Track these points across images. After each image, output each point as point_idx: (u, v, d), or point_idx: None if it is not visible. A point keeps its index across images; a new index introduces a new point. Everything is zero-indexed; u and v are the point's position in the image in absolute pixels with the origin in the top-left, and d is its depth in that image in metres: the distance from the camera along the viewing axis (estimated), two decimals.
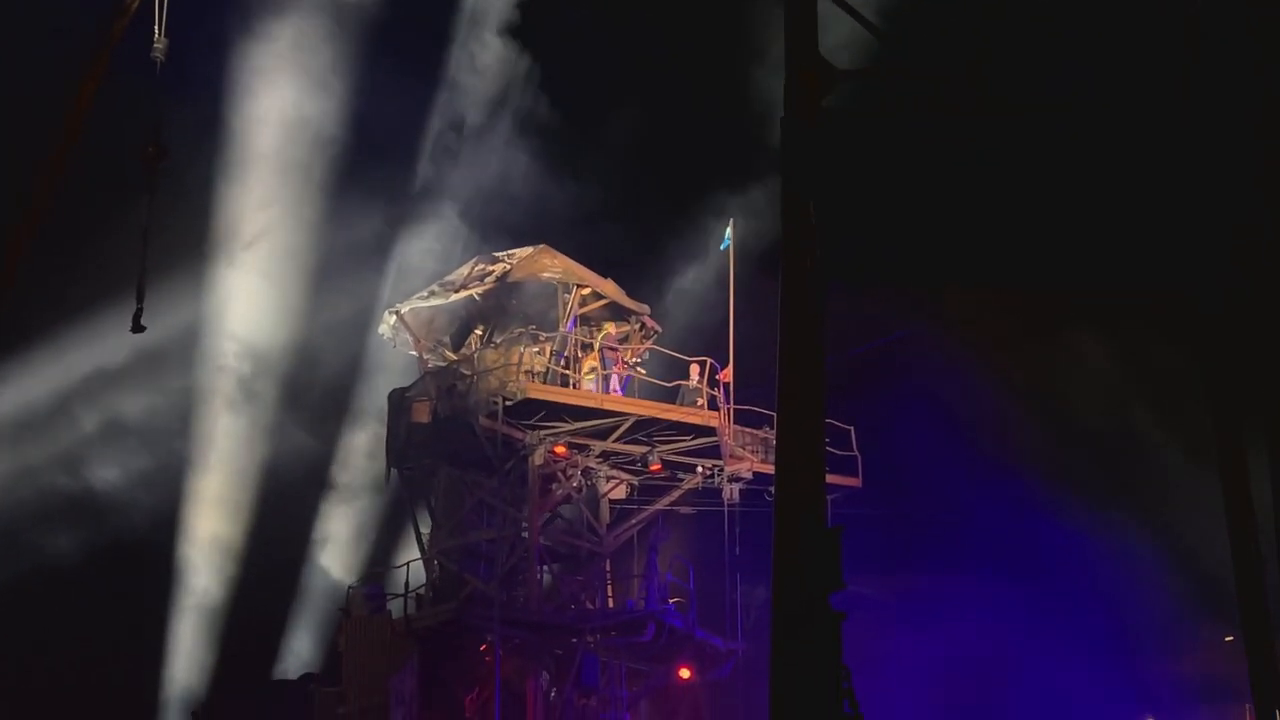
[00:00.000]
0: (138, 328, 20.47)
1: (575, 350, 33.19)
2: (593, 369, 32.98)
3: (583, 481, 33.33)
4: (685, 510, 34.18)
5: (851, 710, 8.97)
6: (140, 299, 20.32)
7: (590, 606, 32.96)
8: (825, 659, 8.78)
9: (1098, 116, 11.62)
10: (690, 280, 39.41)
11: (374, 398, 36.97)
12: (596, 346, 33.32)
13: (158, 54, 20.91)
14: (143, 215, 20.90)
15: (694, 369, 33.01)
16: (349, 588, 34.53)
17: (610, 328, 34.27)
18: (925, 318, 37.09)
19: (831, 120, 9.84)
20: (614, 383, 33.02)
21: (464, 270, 34.07)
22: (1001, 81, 11.10)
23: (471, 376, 32.18)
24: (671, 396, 33.12)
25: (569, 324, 33.33)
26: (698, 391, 32.76)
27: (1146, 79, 11.88)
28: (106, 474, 38.24)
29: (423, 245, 38.59)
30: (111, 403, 37.99)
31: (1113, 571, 39.77)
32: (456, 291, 33.64)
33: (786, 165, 9.76)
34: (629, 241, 39.68)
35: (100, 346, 36.20)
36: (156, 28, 20.91)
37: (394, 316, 34.44)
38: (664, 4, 41.18)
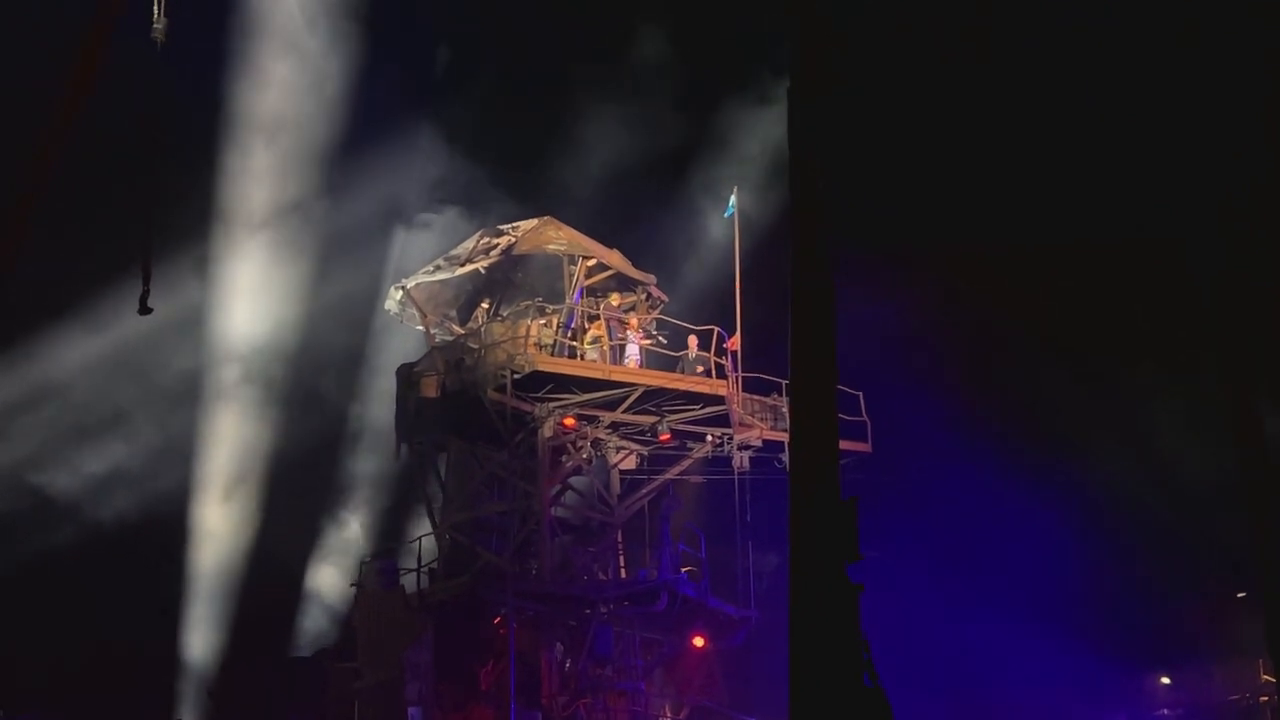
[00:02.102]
0: (145, 309, 20.47)
1: (583, 322, 33.12)
2: (596, 338, 32.90)
3: (592, 453, 33.33)
4: (695, 479, 34.19)
5: (871, 682, 8.94)
6: (146, 280, 20.33)
7: (603, 577, 32.99)
8: (844, 631, 8.75)
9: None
10: (695, 248, 39.35)
11: (382, 373, 36.95)
12: (601, 316, 33.22)
13: (157, 34, 20.84)
14: (145, 195, 20.85)
15: (693, 340, 32.97)
16: (362, 562, 34.58)
17: (615, 298, 34.20)
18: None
19: (838, 89, 9.76)
20: (631, 351, 32.92)
21: (469, 244, 33.97)
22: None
23: (479, 350, 32.12)
24: (678, 366, 33.09)
25: (575, 295, 33.26)
26: (698, 361, 32.72)
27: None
28: (116, 453, 38.28)
29: (428, 221, 38.53)
30: (120, 381, 38.00)
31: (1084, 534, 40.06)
32: (462, 265, 33.57)
33: (794, 135, 9.68)
34: (634, 210, 39.59)
35: (105, 326, 36.21)
36: (156, 7, 20.84)
37: (400, 292, 34.38)
38: None
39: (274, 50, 38.10)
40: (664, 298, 34.96)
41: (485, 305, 34.66)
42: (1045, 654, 39.34)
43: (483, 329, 32.99)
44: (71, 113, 20.63)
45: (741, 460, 32.89)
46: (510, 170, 40.34)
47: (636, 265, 34.64)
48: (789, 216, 9.48)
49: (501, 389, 31.42)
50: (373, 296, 37.44)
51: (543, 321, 32.90)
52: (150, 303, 20.47)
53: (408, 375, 33.49)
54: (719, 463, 33.45)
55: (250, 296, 38.32)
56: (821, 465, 8.89)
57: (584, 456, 33.09)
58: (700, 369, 32.68)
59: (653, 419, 32.83)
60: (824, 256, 9.38)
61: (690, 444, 33.52)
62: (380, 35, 39.14)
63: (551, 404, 32.16)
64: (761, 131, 39.84)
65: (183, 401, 38.74)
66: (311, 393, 39.24)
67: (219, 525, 38.67)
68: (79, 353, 37.38)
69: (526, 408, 31.96)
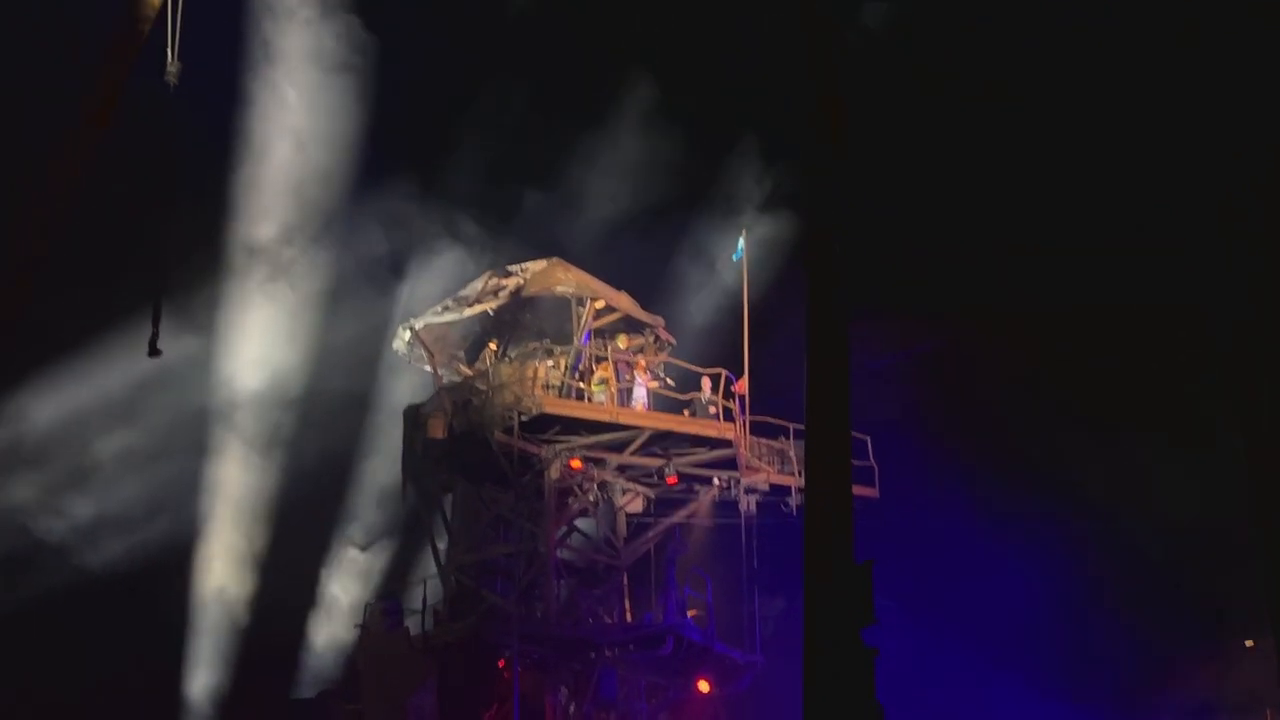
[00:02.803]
0: (154, 351, 20.47)
1: (590, 363, 33.10)
2: (603, 380, 32.88)
3: (599, 495, 33.24)
4: (702, 522, 34.09)
5: None
6: (156, 322, 20.33)
7: (608, 621, 32.86)
8: (859, 696, 8.68)
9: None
10: (703, 291, 39.37)
11: (389, 414, 36.90)
12: (609, 358, 33.20)
13: (171, 77, 20.91)
14: (159, 238, 20.89)
15: (705, 382, 32.95)
16: (367, 604, 34.45)
17: (622, 340, 34.17)
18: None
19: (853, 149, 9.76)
20: (639, 393, 32.90)
21: (478, 285, 34.00)
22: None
23: (487, 391, 32.08)
24: (687, 409, 33.03)
25: (583, 337, 33.25)
26: (711, 404, 32.69)
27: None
28: (122, 493, 38.23)
29: (437, 261, 38.59)
30: (127, 422, 37.97)
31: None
32: (470, 306, 33.59)
33: (810, 195, 9.69)
34: (643, 253, 39.61)
35: (113, 366, 36.23)
36: (169, 50, 20.91)
37: (408, 332, 34.38)
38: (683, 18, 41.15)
39: (284, 91, 38.23)
40: (672, 340, 34.95)
41: (493, 346, 34.65)
42: (1033, 704, 39.26)
43: (490, 370, 32.96)
44: (84, 153, 20.70)
45: (748, 504, 32.83)
46: (520, 210, 40.41)
47: (645, 307, 34.64)
48: (806, 280, 9.47)
49: (509, 430, 31.38)
50: (380, 337, 37.46)
51: (550, 363, 32.89)
52: (159, 344, 20.46)
53: (415, 416, 33.46)
54: (726, 506, 33.40)
55: (257, 337, 38.32)
56: (836, 529, 8.86)
57: (590, 499, 33.02)
58: (713, 410, 32.65)
59: (660, 462, 32.78)
60: (842, 321, 9.37)
61: (697, 487, 33.47)
62: (388, 77, 39.24)
63: (558, 446, 32.11)
64: (772, 175, 39.95)
65: (190, 438, 38.70)
66: (318, 432, 39.17)
67: (223, 564, 38.57)
68: (85, 392, 37.37)
69: (533, 449, 31.91)
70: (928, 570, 38.40)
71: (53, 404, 37.05)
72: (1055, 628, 40.48)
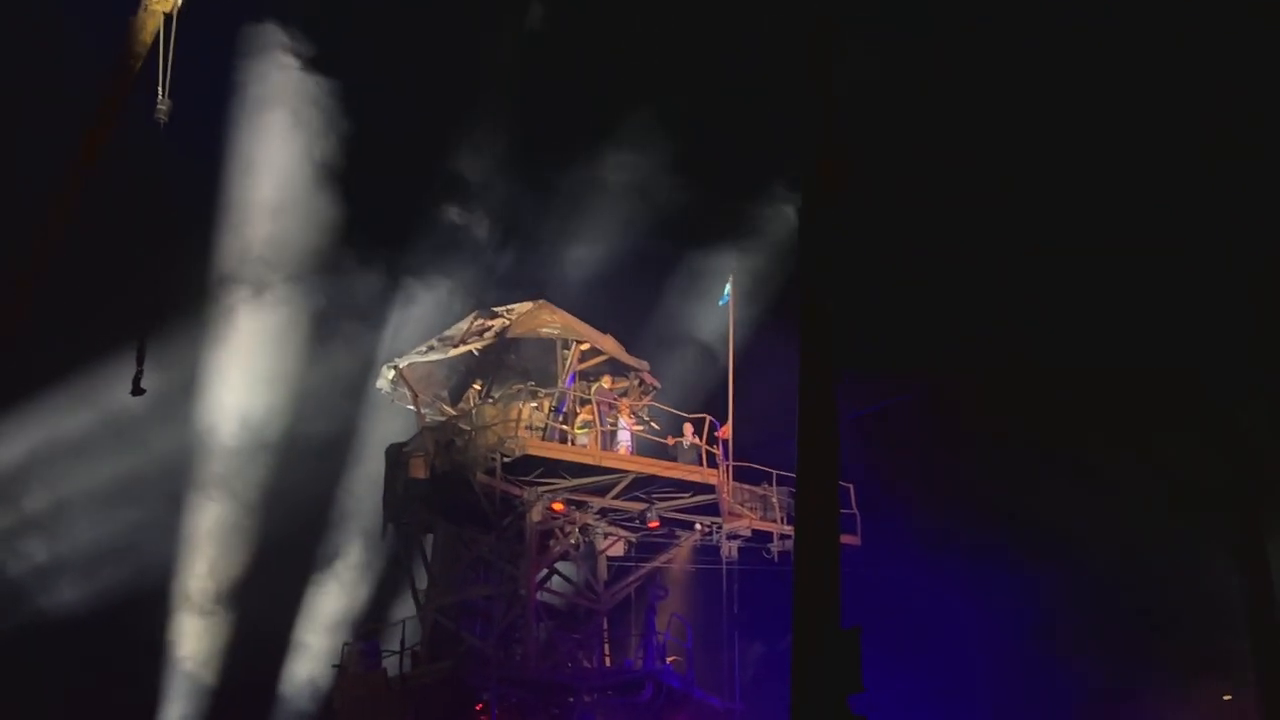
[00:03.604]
0: (138, 390, 20.43)
1: (574, 406, 33.05)
2: (586, 423, 32.81)
3: (580, 538, 33.13)
4: (683, 567, 33.99)
5: None
6: (140, 361, 20.29)
7: (587, 665, 32.70)
8: None
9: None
10: (689, 336, 39.39)
11: (372, 452, 36.78)
12: (593, 399, 33.14)
13: (161, 115, 20.94)
14: (146, 276, 20.86)
15: (688, 427, 32.93)
16: (345, 644, 34.23)
17: (606, 381, 34.12)
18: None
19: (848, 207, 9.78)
20: (622, 437, 32.85)
21: (463, 325, 33.96)
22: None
23: (470, 432, 32.00)
24: (669, 453, 32.99)
25: (568, 379, 33.21)
26: (693, 449, 32.65)
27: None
28: (96, 535, 37.98)
29: (423, 300, 38.58)
30: (104, 462, 37.74)
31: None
32: (455, 347, 33.54)
33: (804, 253, 9.68)
34: (629, 296, 39.63)
35: (92, 404, 36.09)
36: (160, 89, 20.95)
37: (393, 371, 34.31)
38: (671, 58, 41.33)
39: (270, 130, 38.30)
40: (656, 384, 34.93)
41: (477, 386, 34.60)
42: None
43: (474, 411, 32.89)
44: (74, 189, 20.70)
45: (730, 550, 32.73)
46: (506, 251, 40.45)
47: (630, 351, 34.63)
48: (799, 337, 9.47)
49: (491, 472, 31.29)
50: (365, 375, 37.37)
51: (534, 405, 32.83)
52: (142, 383, 20.42)
53: (397, 455, 33.36)
54: (708, 551, 33.30)
55: (238, 375, 38.20)
56: (825, 593, 8.82)
57: (572, 542, 32.91)
58: (694, 454, 32.60)
59: (642, 506, 32.69)
60: (830, 376, 9.36)
61: (679, 532, 33.40)
62: (371, 117, 39.37)
63: (541, 488, 32.02)
64: (760, 221, 40.05)
65: (173, 476, 38.49)
66: (298, 470, 39.00)
67: (202, 602, 38.32)
68: (69, 425, 37.19)
69: (516, 491, 31.81)
70: (899, 623, 38.33)
71: (20, 443, 36.84)
72: (1019, 674, 40.34)
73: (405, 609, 34.21)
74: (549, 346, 33.60)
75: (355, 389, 38.13)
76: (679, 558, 33.86)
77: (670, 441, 33.04)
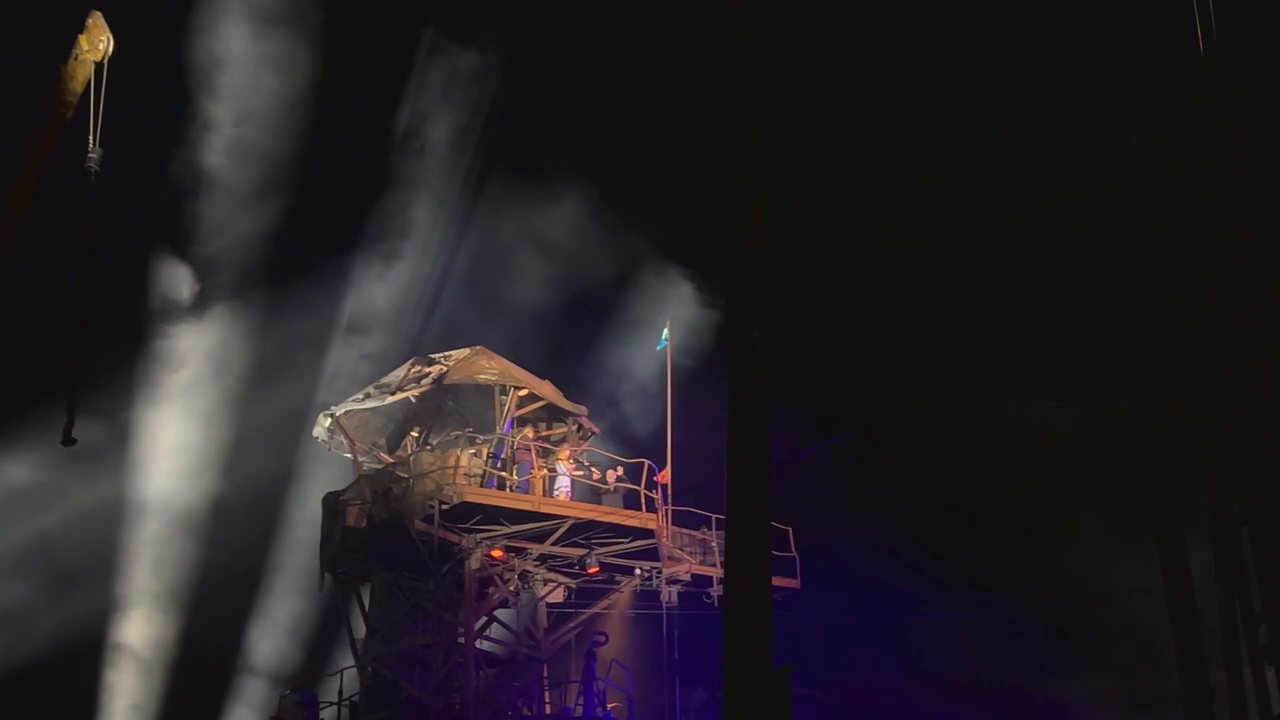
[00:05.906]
0: (69, 440, 20.18)
1: (513, 452, 32.94)
2: (514, 465, 32.70)
3: (520, 585, 32.96)
4: (624, 613, 33.91)
5: None
6: (71, 411, 20.06)
7: (528, 713, 32.47)
8: None
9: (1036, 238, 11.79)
10: (626, 381, 39.44)
11: (308, 501, 36.49)
12: (515, 445, 32.94)
13: (92, 164, 20.80)
14: (73, 323, 20.65)
15: (610, 474, 32.91)
16: (281, 695, 33.82)
17: (529, 431, 33.95)
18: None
19: (775, 251, 9.85)
20: (561, 483, 32.77)
21: (400, 372, 33.84)
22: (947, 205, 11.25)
23: (408, 479, 31.82)
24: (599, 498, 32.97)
25: (506, 426, 33.12)
26: (618, 493, 32.64)
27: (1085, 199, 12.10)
28: (26, 589, 37.47)
29: (358, 346, 38.45)
30: (34, 515, 37.28)
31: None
32: (393, 394, 33.39)
33: (731, 294, 9.75)
34: (566, 342, 39.69)
35: (20, 458, 35.67)
36: (91, 137, 20.82)
37: (329, 419, 34.10)
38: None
39: (208, 176, 38.21)
40: (595, 429, 34.92)
41: (415, 434, 34.43)
42: None
43: (412, 458, 32.70)
44: (4, 238, 20.49)
45: (670, 595, 32.71)
46: (444, 298, 40.39)
47: (568, 397, 34.61)
48: (727, 378, 9.52)
49: (429, 519, 31.11)
50: (300, 423, 37.14)
51: (472, 451, 32.69)
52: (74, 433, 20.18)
53: (334, 504, 33.10)
54: (647, 596, 33.24)
55: (172, 423, 37.88)
56: (754, 632, 8.83)
57: (511, 589, 32.73)
58: (619, 496, 32.57)
59: (582, 551, 32.60)
60: (761, 415, 9.41)
61: (619, 577, 33.32)
62: (311, 165, 39.36)
63: (479, 535, 31.87)
64: (695, 266, 40.26)
65: (105, 525, 38.03)
66: (234, 519, 38.65)
67: (136, 651, 37.81)
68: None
69: (454, 538, 31.64)
70: (847, 658, 38.35)
71: None
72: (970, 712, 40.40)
73: (343, 659, 33.91)
74: (487, 393, 33.52)
75: (291, 437, 37.87)
76: (619, 603, 33.78)
77: (598, 485, 33.01)
